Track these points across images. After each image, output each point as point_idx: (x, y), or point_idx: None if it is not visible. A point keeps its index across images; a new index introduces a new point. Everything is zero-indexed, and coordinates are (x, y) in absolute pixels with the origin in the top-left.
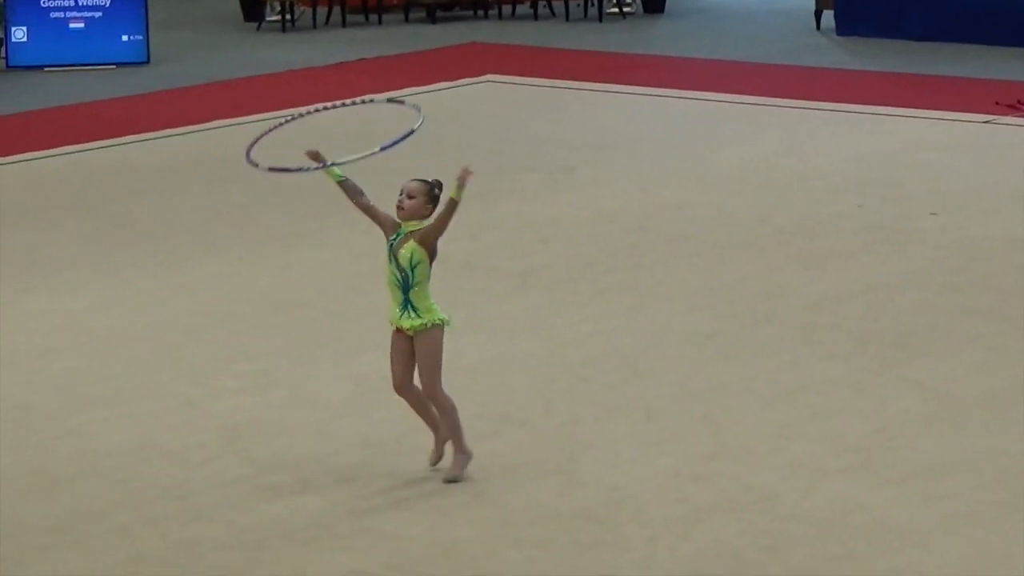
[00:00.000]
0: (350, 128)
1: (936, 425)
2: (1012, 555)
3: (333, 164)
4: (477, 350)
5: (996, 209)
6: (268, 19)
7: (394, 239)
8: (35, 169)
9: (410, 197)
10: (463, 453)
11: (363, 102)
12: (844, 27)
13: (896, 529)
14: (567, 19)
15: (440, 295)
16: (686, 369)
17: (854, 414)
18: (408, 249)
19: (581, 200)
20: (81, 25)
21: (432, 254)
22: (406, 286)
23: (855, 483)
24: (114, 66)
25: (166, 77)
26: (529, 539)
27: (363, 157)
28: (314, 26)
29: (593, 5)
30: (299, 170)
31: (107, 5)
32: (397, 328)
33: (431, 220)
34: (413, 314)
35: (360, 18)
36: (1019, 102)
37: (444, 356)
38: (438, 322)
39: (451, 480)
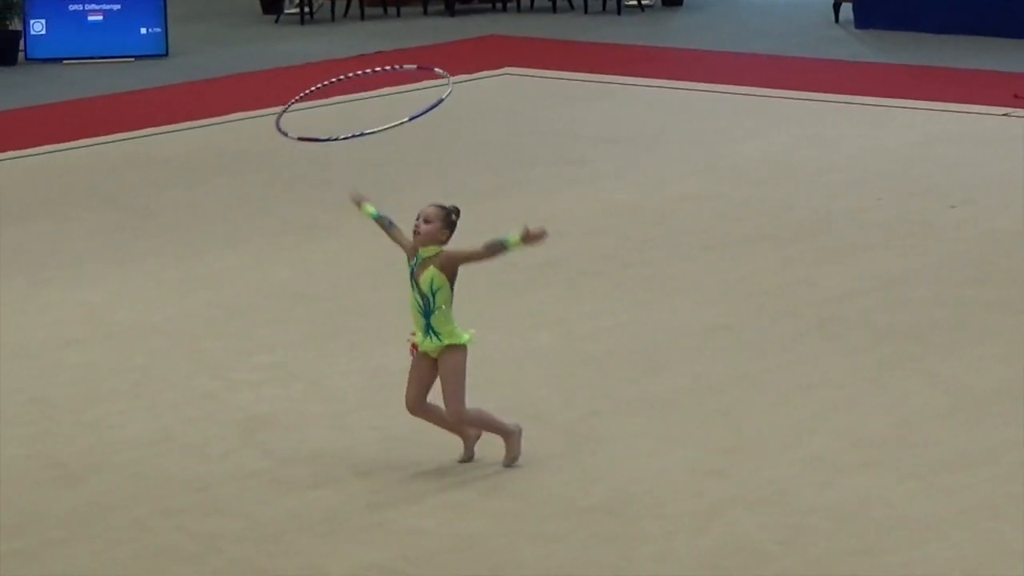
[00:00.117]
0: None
1: (955, 419)
2: None
3: (362, 134)
4: (494, 344)
5: (1015, 202)
6: (287, 12)
7: (413, 265)
8: (53, 161)
9: (427, 222)
10: (512, 435)
11: (393, 69)
12: (862, 20)
13: (915, 523)
14: (585, 12)
15: (458, 289)
16: (703, 363)
17: (872, 408)
18: (428, 275)
19: (598, 193)
20: (100, 18)
21: (452, 278)
22: (427, 311)
23: (874, 477)
24: (132, 59)
25: (184, 70)
26: (546, 533)
27: (393, 127)
28: (332, 19)
29: None
30: (328, 139)
31: None
32: (421, 351)
33: (457, 248)
34: (435, 339)
35: (379, 11)
36: None
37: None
38: (460, 344)
39: (510, 464)
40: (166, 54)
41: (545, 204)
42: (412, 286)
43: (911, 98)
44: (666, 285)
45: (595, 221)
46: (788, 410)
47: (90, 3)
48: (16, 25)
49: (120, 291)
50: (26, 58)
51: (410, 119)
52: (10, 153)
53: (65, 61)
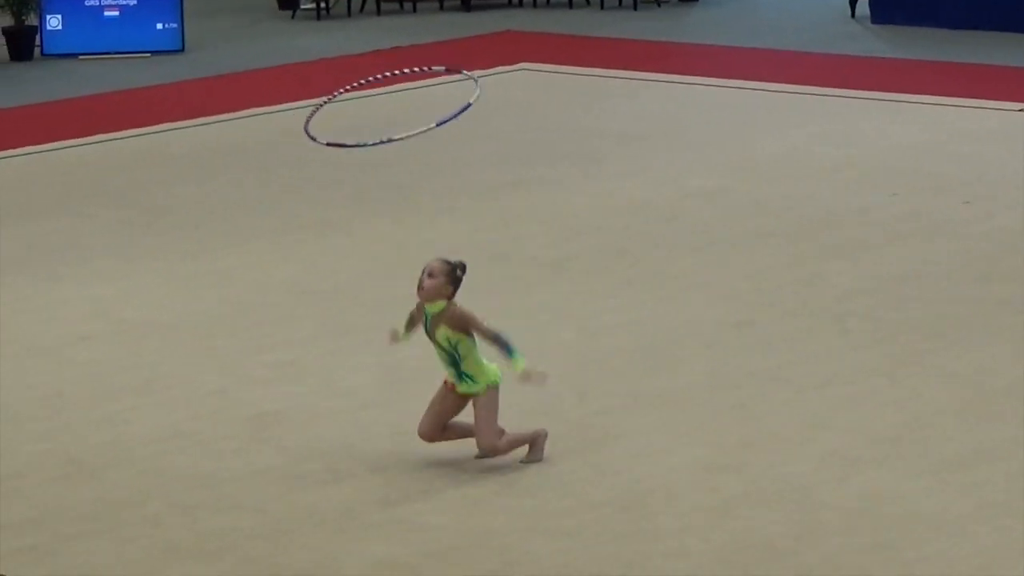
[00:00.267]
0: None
1: (968, 415)
2: None
3: (389, 140)
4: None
5: None
6: (303, 7)
7: (426, 323)
8: (68, 157)
9: (431, 276)
10: (538, 438)
11: (422, 70)
12: (879, 15)
13: (929, 518)
14: (601, 7)
15: (473, 284)
16: (718, 359)
17: (886, 404)
18: (443, 333)
19: (613, 189)
20: (116, 13)
21: (467, 333)
22: (454, 361)
23: (888, 473)
24: (149, 54)
25: (200, 65)
26: (560, 528)
27: (420, 132)
28: (348, 14)
29: None
30: (356, 146)
31: None
32: (452, 387)
33: (471, 313)
34: (471, 382)
35: (395, 6)
36: None
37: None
38: (494, 383)
39: (529, 462)
40: (182, 50)
41: (560, 200)
42: (432, 342)
43: (927, 93)
44: (681, 281)
45: (610, 217)
46: (802, 406)
47: None
48: (32, 20)
49: (131, 288)
50: (42, 53)
51: (438, 124)
52: (25, 148)
53: (81, 56)
